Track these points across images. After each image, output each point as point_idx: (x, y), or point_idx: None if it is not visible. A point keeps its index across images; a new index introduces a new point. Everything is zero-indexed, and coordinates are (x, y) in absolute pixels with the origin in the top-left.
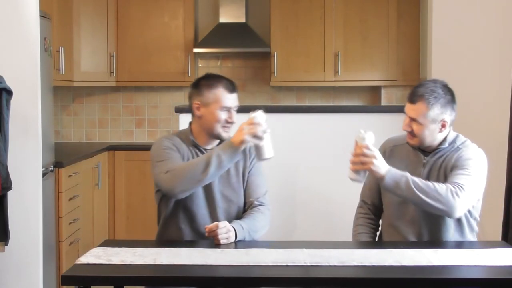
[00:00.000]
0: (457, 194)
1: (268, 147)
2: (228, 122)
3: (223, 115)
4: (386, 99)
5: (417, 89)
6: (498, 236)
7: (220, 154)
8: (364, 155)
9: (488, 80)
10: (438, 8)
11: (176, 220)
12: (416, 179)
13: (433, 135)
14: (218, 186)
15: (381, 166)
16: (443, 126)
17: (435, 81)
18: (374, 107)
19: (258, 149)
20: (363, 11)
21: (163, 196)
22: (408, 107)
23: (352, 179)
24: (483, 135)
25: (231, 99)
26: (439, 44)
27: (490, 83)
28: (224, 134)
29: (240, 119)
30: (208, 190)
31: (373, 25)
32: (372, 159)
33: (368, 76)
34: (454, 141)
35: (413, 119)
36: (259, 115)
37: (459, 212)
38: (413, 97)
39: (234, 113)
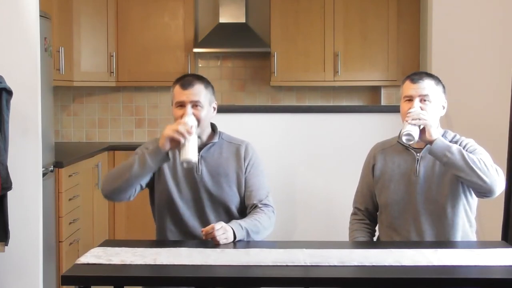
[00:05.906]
0: (498, 171)
1: (191, 149)
2: None
3: (178, 112)
4: (386, 99)
5: (416, 73)
6: (498, 236)
7: (144, 153)
8: (422, 114)
9: (489, 79)
10: (438, 8)
11: (165, 223)
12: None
13: (437, 118)
14: (205, 186)
15: (435, 129)
16: (443, 108)
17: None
18: (374, 107)
19: (180, 148)
20: (363, 11)
21: (151, 199)
22: (415, 87)
23: (405, 135)
24: (483, 134)
25: (184, 95)
26: (439, 44)
27: (490, 82)
28: None
29: (240, 119)
30: (194, 190)
31: (373, 25)
32: (428, 119)
33: (368, 76)
34: (444, 136)
35: (423, 97)
36: (188, 118)
37: (499, 190)
38: (419, 76)
39: (189, 109)
